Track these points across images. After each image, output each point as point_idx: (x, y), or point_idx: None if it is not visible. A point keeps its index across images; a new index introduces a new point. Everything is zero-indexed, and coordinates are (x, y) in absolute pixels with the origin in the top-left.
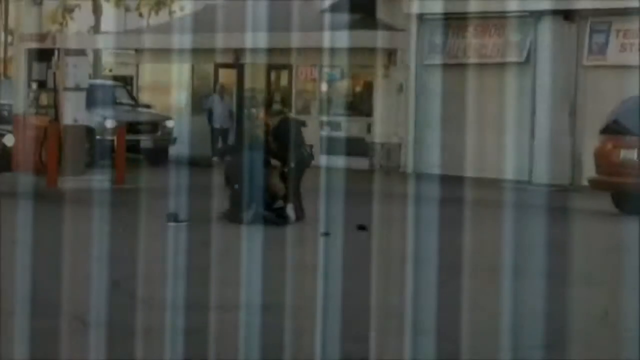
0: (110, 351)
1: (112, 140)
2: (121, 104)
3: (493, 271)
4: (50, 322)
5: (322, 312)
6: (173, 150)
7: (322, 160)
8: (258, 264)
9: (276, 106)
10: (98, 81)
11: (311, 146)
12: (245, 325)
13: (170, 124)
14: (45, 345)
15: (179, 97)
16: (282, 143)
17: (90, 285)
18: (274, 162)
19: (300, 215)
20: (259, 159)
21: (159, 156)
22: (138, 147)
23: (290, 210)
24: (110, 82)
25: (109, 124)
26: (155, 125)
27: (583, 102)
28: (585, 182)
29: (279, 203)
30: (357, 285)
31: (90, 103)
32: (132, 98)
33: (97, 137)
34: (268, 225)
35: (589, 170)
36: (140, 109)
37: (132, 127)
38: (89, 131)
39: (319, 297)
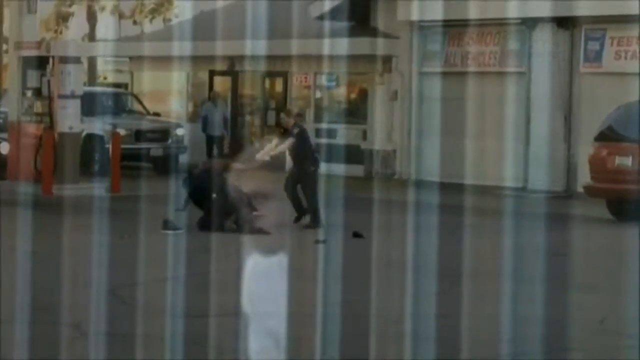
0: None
1: (121, 148)
2: (131, 111)
3: (494, 278)
4: (48, 329)
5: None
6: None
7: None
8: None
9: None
10: (107, 89)
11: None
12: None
13: (180, 132)
14: (44, 351)
15: (175, 105)
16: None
17: (84, 292)
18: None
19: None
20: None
21: (169, 164)
22: (148, 156)
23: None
24: (119, 90)
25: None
26: (165, 133)
27: (578, 109)
28: (580, 189)
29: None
30: (354, 292)
31: (99, 111)
32: (142, 106)
33: (106, 145)
34: (255, 234)
35: (584, 177)
36: (150, 117)
37: (142, 135)
38: (97, 139)
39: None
